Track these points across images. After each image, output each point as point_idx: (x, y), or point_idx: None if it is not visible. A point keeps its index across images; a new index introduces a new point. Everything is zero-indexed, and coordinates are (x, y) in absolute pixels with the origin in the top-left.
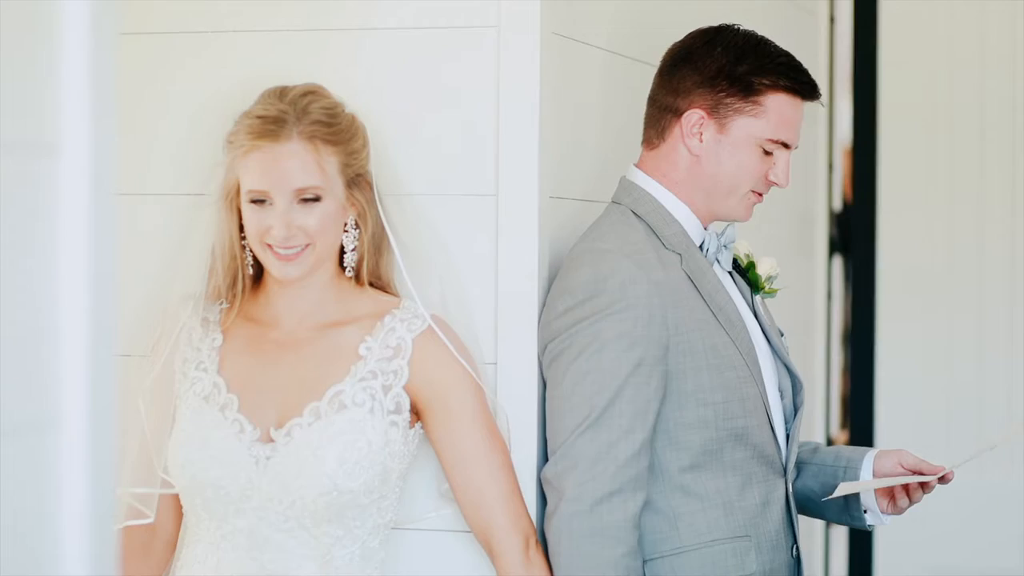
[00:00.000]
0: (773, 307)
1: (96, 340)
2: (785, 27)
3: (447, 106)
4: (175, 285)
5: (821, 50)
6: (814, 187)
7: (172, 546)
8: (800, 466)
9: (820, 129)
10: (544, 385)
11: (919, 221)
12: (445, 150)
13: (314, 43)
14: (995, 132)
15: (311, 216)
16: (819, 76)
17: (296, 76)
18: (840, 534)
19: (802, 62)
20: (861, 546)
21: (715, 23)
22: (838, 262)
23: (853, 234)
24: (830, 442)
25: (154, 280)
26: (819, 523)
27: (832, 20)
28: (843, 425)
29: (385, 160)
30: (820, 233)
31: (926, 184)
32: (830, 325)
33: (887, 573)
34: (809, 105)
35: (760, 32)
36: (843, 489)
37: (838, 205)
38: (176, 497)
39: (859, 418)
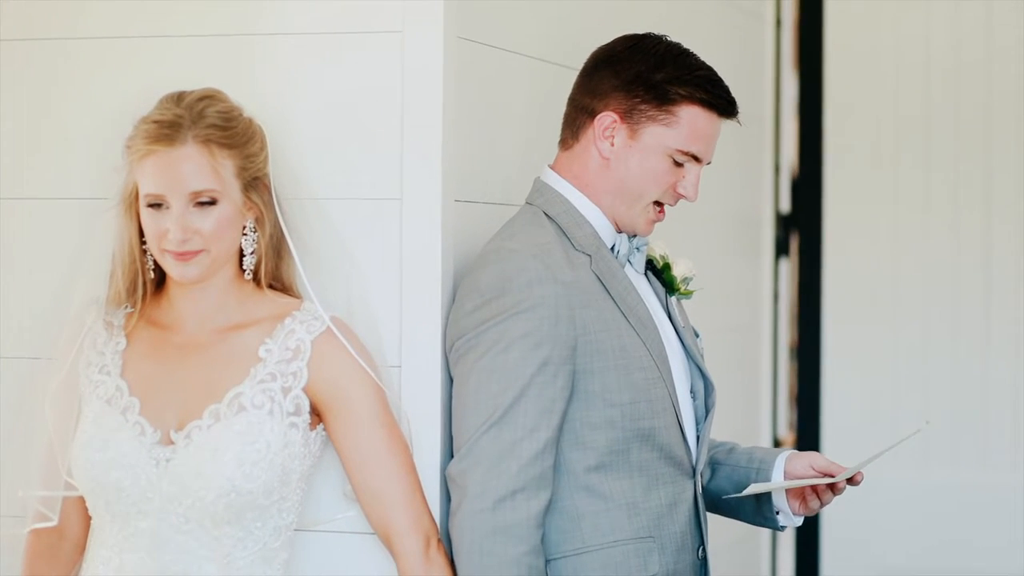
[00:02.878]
0: (717, 309)
1: None
2: (731, 30)
3: (352, 110)
4: (79, 288)
5: (768, 52)
6: (758, 189)
7: (80, 549)
8: (715, 466)
9: (766, 132)
10: (450, 385)
11: (865, 224)
12: (350, 154)
13: (220, 48)
14: (940, 135)
15: (206, 219)
16: (765, 79)
17: (201, 81)
18: (788, 534)
19: (743, 66)
20: (808, 544)
21: (643, 26)
22: (785, 265)
23: (799, 237)
24: (777, 443)
25: (60, 283)
26: None
27: (779, 23)
28: (790, 427)
29: (288, 164)
30: (766, 235)
31: (872, 187)
32: (776, 327)
33: (833, 572)
34: (752, 107)
35: (707, 35)
36: (752, 489)
37: (785, 207)
38: (83, 500)
39: (805, 420)
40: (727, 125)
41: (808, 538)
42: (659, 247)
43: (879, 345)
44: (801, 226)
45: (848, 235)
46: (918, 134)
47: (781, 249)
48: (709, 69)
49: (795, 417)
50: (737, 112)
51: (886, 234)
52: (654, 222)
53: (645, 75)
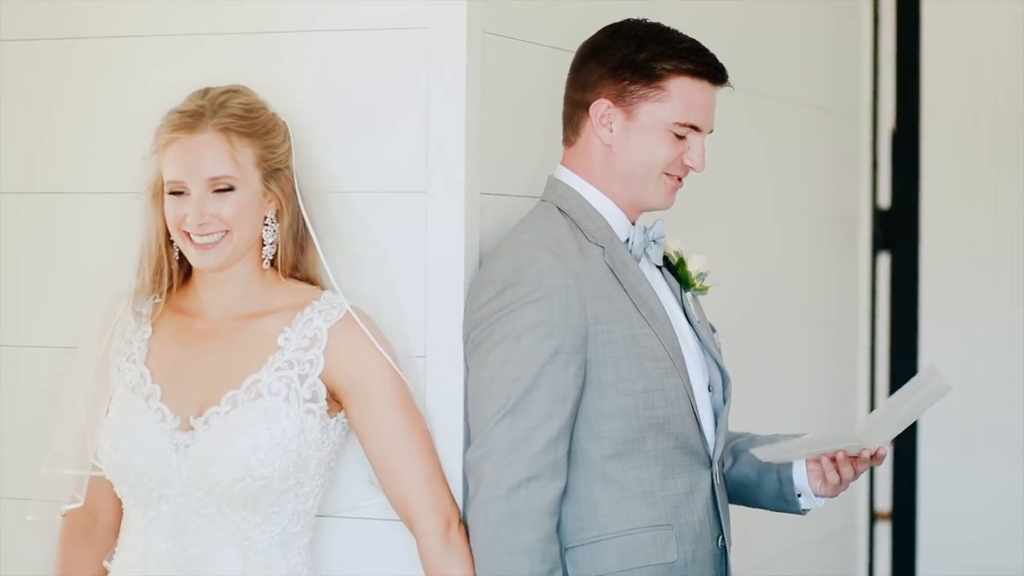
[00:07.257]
0: (813, 304)
1: None
2: (825, 28)
3: (378, 105)
4: (116, 280)
5: (864, 49)
6: (856, 185)
7: (114, 533)
8: (737, 455)
9: (864, 127)
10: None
11: (962, 219)
12: (376, 148)
13: (247, 45)
14: None
15: (225, 205)
16: (862, 75)
17: (229, 77)
18: (884, 533)
19: (840, 62)
20: (905, 542)
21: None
22: (884, 260)
23: (896, 232)
24: None
25: (100, 275)
26: (863, 522)
27: (876, 20)
28: None
29: (314, 158)
30: (863, 231)
31: (969, 182)
32: (875, 323)
33: (930, 570)
34: (848, 103)
35: (798, 34)
36: (768, 454)
37: (884, 203)
38: None
39: None
40: (831, 123)
41: (905, 535)
42: (674, 243)
43: (977, 341)
44: (899, 221)
45: (946, 230)
46: (1016, 128)
47: (880, 244)
48: (692, 41)
49: None
50: (727, 77)
51: (984, 228)
52: (674, 190)
53: (629, 58)
